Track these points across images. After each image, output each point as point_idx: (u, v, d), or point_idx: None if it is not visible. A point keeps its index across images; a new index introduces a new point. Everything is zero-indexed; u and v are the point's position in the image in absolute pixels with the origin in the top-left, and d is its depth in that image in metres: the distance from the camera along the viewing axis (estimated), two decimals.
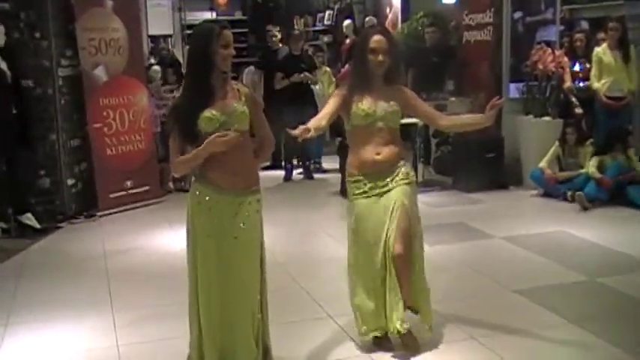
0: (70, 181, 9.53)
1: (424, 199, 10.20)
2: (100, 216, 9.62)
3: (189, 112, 4.59)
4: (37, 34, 9.17)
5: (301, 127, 4.95)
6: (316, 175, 12.12)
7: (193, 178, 4.82)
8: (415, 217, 5.43)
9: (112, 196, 9.84)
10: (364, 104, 5.19)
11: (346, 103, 5.26)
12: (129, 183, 10.08)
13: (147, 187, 10.36)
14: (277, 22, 19.65)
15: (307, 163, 12.10)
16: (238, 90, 4.77)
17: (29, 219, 8.91)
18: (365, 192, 5.29)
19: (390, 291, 5.19)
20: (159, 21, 17.96)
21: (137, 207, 10.08)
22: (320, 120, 5.23)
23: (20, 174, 9.07)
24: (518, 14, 11.46)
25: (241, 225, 4.72)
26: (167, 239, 8.58)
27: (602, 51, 10.16)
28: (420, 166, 11.13)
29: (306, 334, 5.67)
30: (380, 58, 5.14)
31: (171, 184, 11.21)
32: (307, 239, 8.57)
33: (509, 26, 11.42)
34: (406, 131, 11.41)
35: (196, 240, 4.79)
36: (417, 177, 10.62)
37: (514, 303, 6.25)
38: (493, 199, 10.27)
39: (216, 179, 4.66)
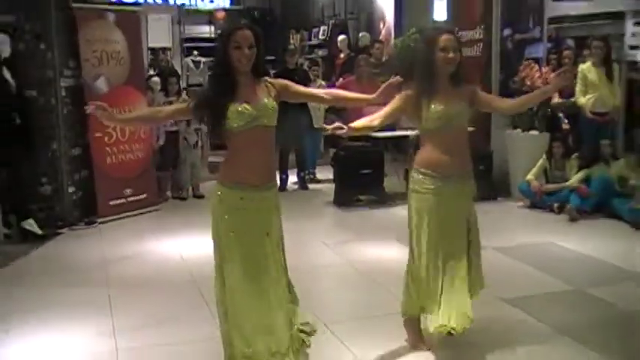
0: (70, 189, 9.48)
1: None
2: (100, 223, 9.57)
3: (214, 104, 4.60)
4: (42, 46, 9.12)
5: (337, 124, 4.91)
6: (311, 186, 12.09)
7: (218, 180, 4.80)
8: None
9: (111, 203, 9.80)
10: (437, 106, 5.13)
11: (414, 106, 5.21)
12: (128, 191, 10.04)
13: (145, 195, 10.32)
14: (274, 36, 19.73)
15: (302, 173, 12.06)
16: (270, 84, 4.78)
17: (31, 225, 8.87)
18: (431, 189, 5.22)
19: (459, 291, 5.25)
20: (159, 34, 17.99)
21: (135, 214, 10.04)
22: (372, 120, 5.18)
23: (23, 181, 9.06)
24: (507, 31, 11.49)
25: (271, 219, 4.81)
26: (165, 246, 8.57)
27: (587, 68, 10.19)
28: None
29: None
30: (451, 54, 5.09)
31: (168, 193, 11.15)
32: (303, 248, 8.51)
33: (499, 43, 11.46)
34: (398, 142, 11.45)
35: (224, 239, 4.70)
36: (407, 187, 10.78)
37: (503, 312, 6.23)
38: (483, 210, 10.09)
39: (245, 177, 4.66)
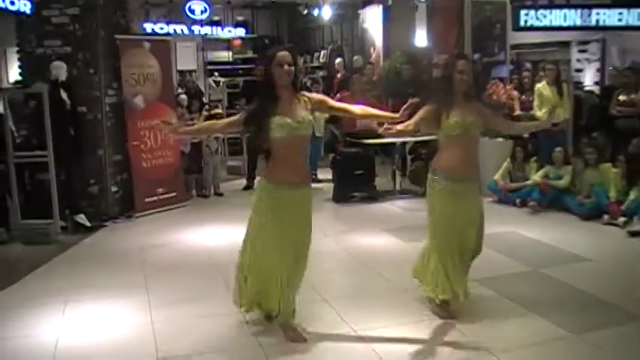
0: (113, 188, 9.53)
1: (402, 205, 10.26)
2: (137, 217, 9.62)
3: (260, 116, 4.75)
4: (91, 70, 9.21)
5: (386, 125, 5.10)
6: (313, 185, 12.07)
7: (261, 177, 5.02)
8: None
9: (146, 200, 9.84)
10: (454, 116, 5.28)
11: (435, 117, 5.35)
12: (160, 190, 10.07)
13: (174, 194, 10.34)
14: None
15: None
16: (308, 98, 4.89)
17: (82, 219, 8.95)
18: (447, 189, 5.38)
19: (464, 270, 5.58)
20: (186, 58, 18.02)
21: (166, 210, 10.07)
22: (407, 125, 5.32)
23: (75, 182, 9.13)
24: (476, 56, 11.51)
25: (305, 211, 5.04)
26: (191, 236, 8.60)
27: (542, 86, 10.22)
28: (398, 177, 11.12)
29: (305, 315, 5.65)
30: (464, 77, 5.28)
31: (194, 192, 11.20)
32: None
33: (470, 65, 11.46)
34: (387, 148, 11.49)
35: (262, 223, 4.93)
36: (394, 186, 10.82)
37: (475, 290, 6.24)
38: None
39: (285, 177, 4.84)
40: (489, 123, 5.62)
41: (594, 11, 11.15)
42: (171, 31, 18.02)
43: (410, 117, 5.33)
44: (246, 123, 4.89)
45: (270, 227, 4.88)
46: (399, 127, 5.23)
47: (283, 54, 4.75)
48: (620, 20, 11.21)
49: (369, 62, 15.28)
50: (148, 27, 17.83)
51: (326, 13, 17.85)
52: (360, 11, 17.23)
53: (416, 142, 11.01)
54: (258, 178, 5.06)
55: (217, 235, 8.57)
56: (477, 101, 5.53)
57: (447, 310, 5.54)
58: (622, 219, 8.55)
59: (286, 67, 4.72)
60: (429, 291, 5.57)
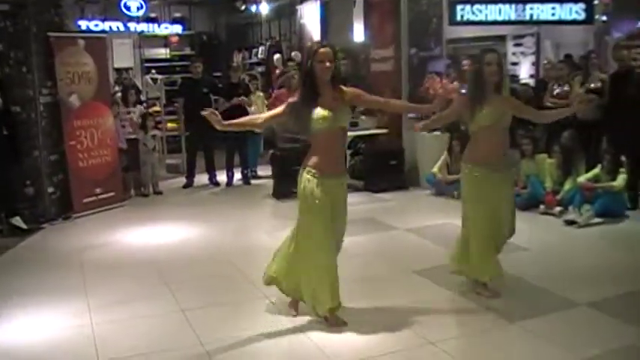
0: (50, 189, 9.36)
1: None
2: (75, 218, 9.48)
3: (302, 109, 5.02)
4: (24, 69, 9.04)
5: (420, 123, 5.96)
6: (253, 181, 12.10)
7: (303, 167, 5.18)
8: None
9: (84, 201, 9.70)
10: (486, 108, 5.52)
11: (468, 109, 5.64)
12: (98, 190, 9.94)
13: (113, 193, 10.23)
14: (219, 56, 19.69)
15: (245, 171, 12.06)
16: (345, 92, 5.15)
17: (18, 221, 8.79)
18: (481, 174, 5.62)
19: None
20: (122, 56, 17.82)
21: (105, 210, 9.95)
22: (440, 118, 6.02)
23: (10, 183, 8.96)
24: (413, 50, 11.61)
25: (343, 198, 5.28)
26: (132, 235, 8.53)
27: None
28: None
29: (246, 312, 5.68)
30: (495, 68, 5.50)
31: (133, 191, 11.08)
32: (246, 233, 8.57)
33: (407, 60, 11.58)
34: None
35: (310, 209, 5.12)
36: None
37: (414, 281, 6.36)
38: (396, 198, 10.39)
39: (325, 166, 5.07)
40: (520, 112, 5.87)
41: (528, 6, 11.36)
42: (107, 28, 17.83)
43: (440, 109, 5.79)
44: (289, 115, 5.14)
45: (317, 215, 5.10)
46: (434, 118, 5.98)
47: (324, 51, 4.99)
48: (553, 15, 11.46)
49: (290, 59, 15.40)
50: (83, 24, 17.62)
51: (263, 8, 17.86)
52: (297, 7, 17.27)
53: (355, 137, 11.08)
54: (302, 169, 5.21)
55: (157, 234, 8.52)
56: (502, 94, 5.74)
57: (488, 289, 5.84)
58: (558, 208, 8.75)
59: (327, 63, 4.95)
60: (474, 274, 5.87)
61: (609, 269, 6.69)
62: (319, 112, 4.96)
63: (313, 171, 5.08)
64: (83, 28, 17.13)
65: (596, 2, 12.01)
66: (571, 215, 8.48)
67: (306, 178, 5.11)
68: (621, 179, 8.71)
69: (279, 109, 5.24)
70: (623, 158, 9.00)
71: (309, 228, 5.17)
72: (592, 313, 5.49)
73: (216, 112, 5.19)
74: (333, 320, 5.23)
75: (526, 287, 6.13)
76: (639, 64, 11.30)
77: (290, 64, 14.88)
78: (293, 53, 16.28)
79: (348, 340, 5.05)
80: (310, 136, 5.14)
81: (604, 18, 12.92)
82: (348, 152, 11.78)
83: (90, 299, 6.12)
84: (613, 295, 5.88)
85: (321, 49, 5.00)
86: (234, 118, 11.35)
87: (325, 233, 5.12)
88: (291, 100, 5.22)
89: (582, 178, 8.90)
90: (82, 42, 9.90)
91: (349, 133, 10.69)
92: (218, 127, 5.08)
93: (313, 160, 5.11)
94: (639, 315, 5.42)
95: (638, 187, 9.14)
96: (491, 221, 5.69)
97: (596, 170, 8.90)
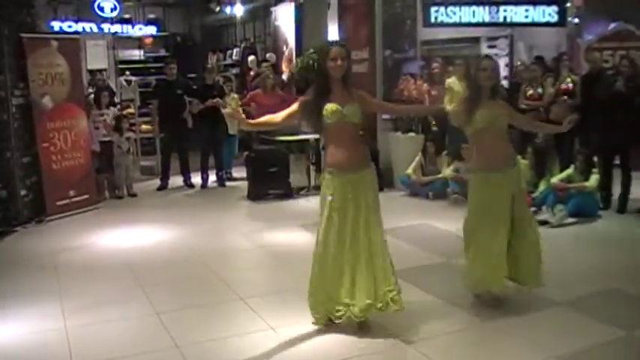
0: (23, 192, 9.26)
1: (317, 200, 10.26)
2: (48, 221, 9.39)
3: (314, 105, 5.16)
4: None
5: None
6: (228, 183, 12.07)
7: (324, 165, 5.36)
8: None
9: (58, 203, 9.62)
10: (483, 111, 5.59)
11: (464, 112, 5.70)
12: (72, 192, 9.86)
13: (87, 196, 10.14)
14: (194, 57, 19.63)
15: (220, 173, 12.03)
16: (354, 91, 5.28)
17: None
18: (487, 179, 5.64)
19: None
20: (96, 57, 17.69)
21: (79, 212, 9.86)
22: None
23: None
24: (387, 52, 11.65)
25: (366, 193, 5.21)
26: (106, 238, 8.47)
27: (452, 82, 10.39)
28: (312, 174, 11.19)
29: (221, 314, 5.67)
30: (490, 73, 5.65)
31: (107, 193, 11.00)
32: (221, 235, 8.55)
33: (381, 61, 11.60)
34: (302, 145, 11.54)
35: (330, 211, 5.17)
36: (309, 182, 10.87)
37: None
38: None
39: (337, 161, 5.17)
40: (511, 119, 5.89)
41: (502, 8, 11.50)
42: (80, 29, 17.70)
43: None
44: (303, 112, 5.28)
45: (335, 213, 5.17)
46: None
47: (338, 50, 5.15)
48: (526, 17, 11.62)
49: (265, 60, 15.46)
50: (56, 25, 17.47)
51: (238, 10, 17.82)
52: (272, 9, 17.27)
53: None
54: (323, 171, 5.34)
55: (132, 236, 8.48)
56: (501, 98, 5.86)
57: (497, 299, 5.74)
58: (531, 209, 8.79)
59: (339, 62, 5.10)
60: (474, 285, 5.76)
61: (582, 268, 6.76)
62: (330, 106, 5.11)
63: (330, 169, 5.22)
64: (56, 29, 16.98)
65: (568, 5, 12.17)
66: (544, 215, 8.54)
67: (323, 176, 5.30)
68: (594, 179, 8.81)
69: (294, 107, 5.37)
70: (595, 159, 9.11)
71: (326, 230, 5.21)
72: (564, 312, 5.56)
73: (239, 110, 5.29)
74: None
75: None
76: (610, 65, 11.47)
77: (264, 64, 14.91)
78: (268, 55, 16.30)
79: (322, 341, 5.06)
80: (324, 133, 5.30)
81: (576, 20, 13.08)
82: (324, 153, 11.80)
83: (64, 302, 6.07)
84: (585, 294, 5.94)
85: (335, 48, 5.17)
86: (208, 120, 11.46)
87: (336, 238, 5.16)
88: (303, 97, 5.37)
89: (555, 179, 9.01)
90: (55, 43, 9.81)
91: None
92: (242, 127, 5.20)
93: (328, 157, 5.27)
94: (611, 313, 5.47)
95: (611, 187, 9.23)
96: (492, 224, 5.58)
97: (569, 171, 9.01)
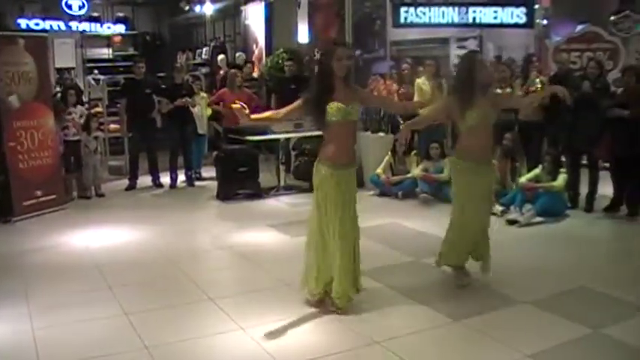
0: None
1: (286, 200, 10.33)
2: (15, 221, 9.27)
3: (317, 103, 5.36)
4: None
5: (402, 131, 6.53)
6: (197, 183, 12.00)
7: (318, 159, 5.51)
8: None
9: (25, 203, 9.50)
10: (474, 109, 5.82)
11: (456, 109, 5.94)
12: (39, 192, 9.73)
13: (54, 196, 10.02)
14: (163, 56, 19.53)
15: (189, 172, 11.96)
16: (355, 90, 5.54)
17: None
18: (470, 169, 5.97)
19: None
20: (64, 56, 17.50)
21: (46, 212, 9.74)
22: (427, 116, 6.52)
23: None
24: (357, 52, 11.67)
25: (353, 187, 5.56)
26: (73, 239, 8.36)
27: (421, 81, 10.46)
28: (282, 173, 11.17)
29: (191, 314, 5.63)
30: (490, 72, 6.06)
31: (75, 193, 10.88)
32: (190, 235, 8.50)
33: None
34: (271, 145, 11.52)
35: (323, 203, 5.44)
36: (279, 182, 10.85)
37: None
38: None
39: (336, 157, 5.40)
40: (502, 105, 6.34)
41: (471, 9, 11.60)
42: (48, 27, 17.53)
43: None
44: (305, 109, 5.51)
45: (329, 205, 5.42)
46: (420, 116, 6.51)
47: (343, 49, 5.38)
48: (495, 18, 11.73)
49: (250, 61, 15.42)
50: (23, 23, 17.31)
51: (208, 9, 17.75)
52: (242, 8, 17.24)
53: (300, 138, 11.09)
54: (317, 162, 5.52)
55: (100, 237, 8.40)
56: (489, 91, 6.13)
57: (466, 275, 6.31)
58: (500, 208, 8.87)
59: (344, 61, 5.32)
60: (455, 260, 6.31)
61: (550, 267, 6.81)
62: (334, 104, 5.29)
63: (328, 163, 5.39)
64: (23, 26, 16.83)
65: (536, 7, 12.28)
66: (513, 215, 8.62)
67: (320, 169, 5.44)
68: (561, 179, 8.90)
69: (297, 104, 5.55)
70: (563, 159, 9.20)
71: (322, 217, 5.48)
72: (534, 311, 5.60)
73: (245, 105, 5.47)
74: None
75: (469, 286, 6.20)
76: (578, 67, 11.59)
77: (248, 65, 14.96)
78: (237, 54, 16.26)
79: (293, 341, 5.06)
80: (324, 129, 5.44)
81: (544, 22, 13.21)
82: (293, 153, 11.81)
83: (31, 304, 5.99)
84: (554, 293, 6.00)
85: (341, 48, 5.37)
86: (178, 119, 11.40)
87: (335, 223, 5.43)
88: (306, 95, 5.53)
89: (524, 179, 9.09)
90: (21, 41, 9.68)
91: (293, 135, 10.79)
92: (245, 122, 5.41)
93: (327, 152, 5.43)
94: (580, 311, 5.52)
95: (578, 186, 9.32)
96: (476, 208, 6.04)
97: (537, 171, 9.09)
